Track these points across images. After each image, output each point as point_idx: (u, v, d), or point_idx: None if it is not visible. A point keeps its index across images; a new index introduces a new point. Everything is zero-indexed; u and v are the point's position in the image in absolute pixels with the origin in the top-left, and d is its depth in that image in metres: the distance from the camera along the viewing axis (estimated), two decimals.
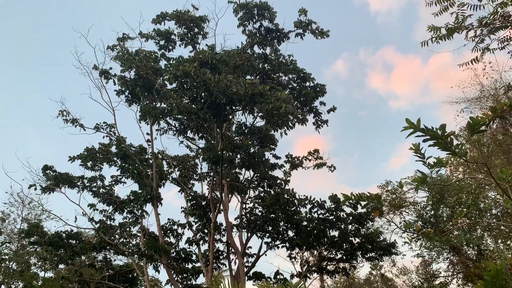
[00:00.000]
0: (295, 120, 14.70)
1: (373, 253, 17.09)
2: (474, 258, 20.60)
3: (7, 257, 23.42)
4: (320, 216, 17.03)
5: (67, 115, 16.57)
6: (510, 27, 8.56)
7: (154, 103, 16.18)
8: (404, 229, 21.95)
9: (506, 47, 9.05)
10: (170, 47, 16.35)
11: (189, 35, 15.78)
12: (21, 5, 58.81)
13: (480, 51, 9.01)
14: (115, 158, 17.87)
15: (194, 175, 19.33)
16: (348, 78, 63.35)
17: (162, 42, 16.28)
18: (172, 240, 17.78)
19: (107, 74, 16.40)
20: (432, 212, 21.74)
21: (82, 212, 16.53)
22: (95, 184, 17.62)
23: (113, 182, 18.52)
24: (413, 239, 20.88)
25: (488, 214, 19.24)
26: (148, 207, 17.41)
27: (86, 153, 17.54)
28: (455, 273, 22.27)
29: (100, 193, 17.58)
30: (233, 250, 16.31)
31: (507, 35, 8.81)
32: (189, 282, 16.86)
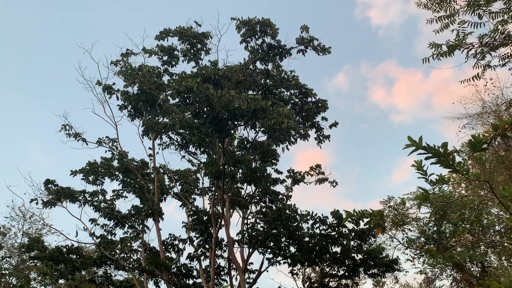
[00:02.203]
0: (297, 135, 14.75)
1: (375, 270, 16.94)
2: (478, 275, 20.37)
3: (7, 272, 23.26)
4: (322, 232, 16.94)
5: (70, 129, 16.67)
6: (510, 44, 8.64)
7: (156, 118, 16.27)
8: (406, 245, 21.78)
9: (507, 64, 9.10)
10: (173, 63, 16.50)
11: (192, 51, 15.94)
12: (25, 20, 59.59)
13: (481, 68, 9.07)
14: (116, 173, 17.89)
15: (196, 189, 19.32)
16: (349, 91, 63.50)
17: (165, 58, 16.44)
18: (173, 255, 17.68)
19: (110, 89, 16.54)
20: (435, 228, 21.59)
21: (83, 227, 16.51)
22: (96, 198, 17.61)
23: (115, 197, 18.51)
24: (416, 256, 20.68)
25: (492, 231, 19.10)
26: (149, 222, 17.37)
27: (88, 167, 17.57)
28: None
29: (101, 208, 17.55)
30: (234, 266, 16.19)
31: (507, 52, 8.88)
32: None
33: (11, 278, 23.53)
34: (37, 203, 16.37)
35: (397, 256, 17.66)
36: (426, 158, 3.34)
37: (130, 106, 16.48)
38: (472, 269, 21.35)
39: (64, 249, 15.86)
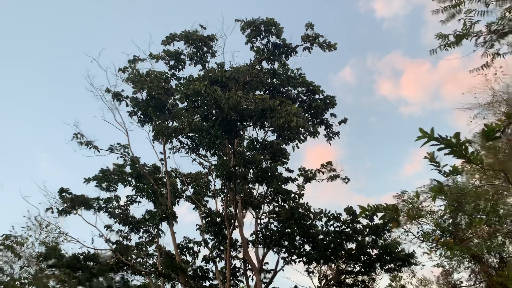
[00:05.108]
0: (307, 133, 14.73)
1: (391, 265, 16.83)
2: (496, 266, 20.13)
3: (26, 281, 23.55)
4: (336, 229, 16.88)
5: (82, 137, 16.80)
6: None
7: (166, 122, 16.35)
8: (422, 239, 21.59)
9: None
10: (180, 67, 16.57)
11: (198, 54, 16.00)
12: (34, 30, 60.30)
13: (490, 56, 8.95)
14: (129, 178, 18.02)
15: (208, 192, 19.36)
16: (356, 85, 63.03)
17: (172, 62, 16.52)
18: (189, 258, 17.75)
19: (120, 96, 16.66)
20: (450, 220, 21.36)
21: (99, 234, 16.67)
22: (110, 204, 17.75)
23: (128, 202, 18.63)
24: (433, 249, 20.50)
25: (508, 221, 18.84)
26: (164, 226, 17.46)
27: (101, 174, 17.71)
28: (477, 282, 21.74)
29: (116, 214, 17.67)
30: (250, 267, 16.21)
31: None
32: None
33: (30, 287, 23.82)
34: (52, 212, 16.56)
35: (413, 250, 17.53)
36: (439, 149, 3.32)
37: (139, 112, 16.59)
38: (490, 260, 21.10)
39: (81, 257, 16.00)
